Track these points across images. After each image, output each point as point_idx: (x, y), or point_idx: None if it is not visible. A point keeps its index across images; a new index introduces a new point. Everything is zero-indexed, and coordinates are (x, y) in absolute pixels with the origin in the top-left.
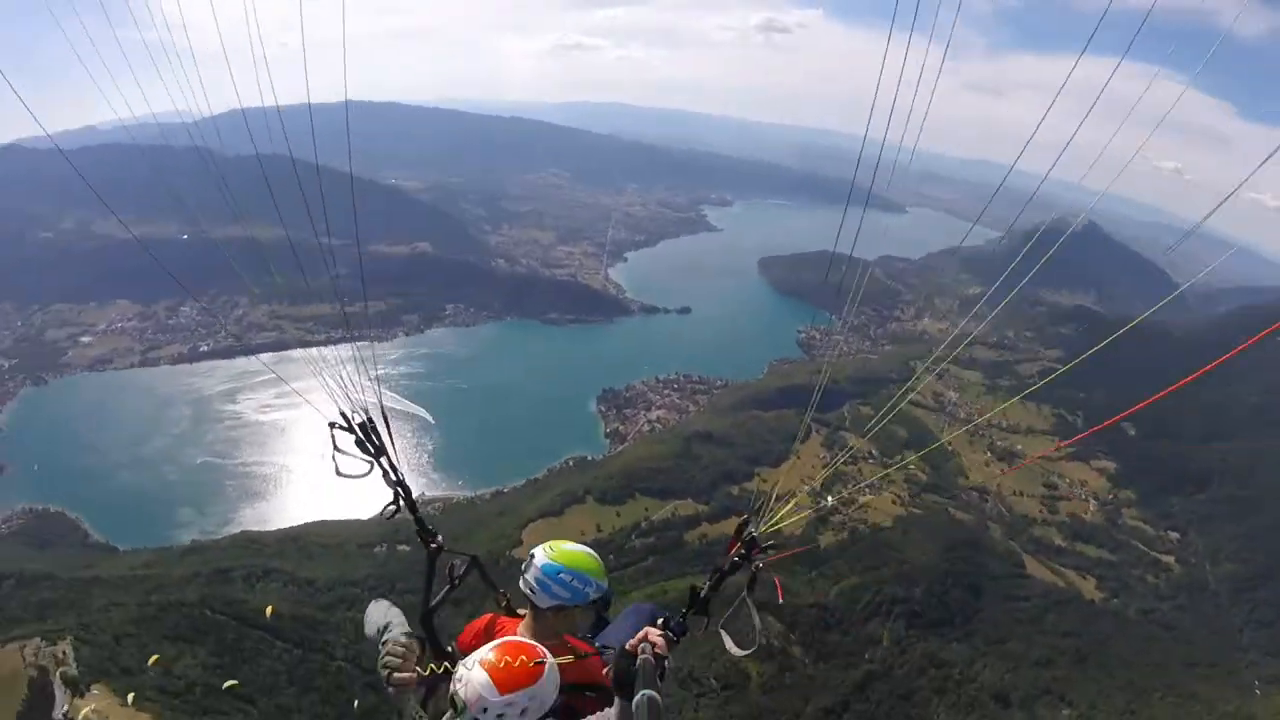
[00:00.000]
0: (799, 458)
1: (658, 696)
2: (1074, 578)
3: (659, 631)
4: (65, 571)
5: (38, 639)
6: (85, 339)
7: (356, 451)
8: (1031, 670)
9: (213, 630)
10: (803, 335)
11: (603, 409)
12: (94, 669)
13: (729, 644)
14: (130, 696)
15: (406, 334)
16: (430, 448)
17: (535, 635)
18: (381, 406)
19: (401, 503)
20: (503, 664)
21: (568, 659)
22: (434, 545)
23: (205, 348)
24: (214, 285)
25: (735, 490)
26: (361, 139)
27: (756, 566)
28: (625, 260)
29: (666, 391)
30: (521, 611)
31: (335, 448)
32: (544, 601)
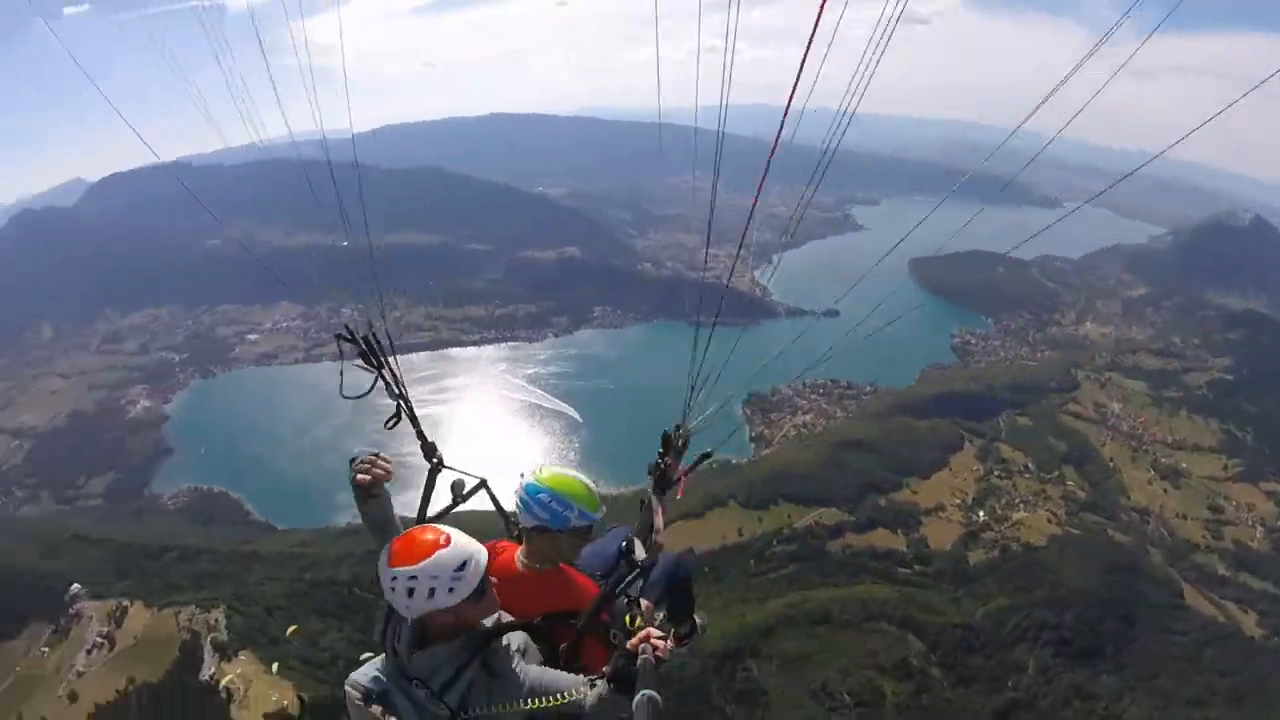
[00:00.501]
0: (950, 469)
1: (658, 697)
2: (1235, 611)
3: (660, 633)
4: (225, 546)
5: (193, 606)
6: (252, 336)
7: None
8: (1183, 710)
9: (361, 609)
10: (957, 340)
11: (748, 412)
12: (243, 637)
13: (638, 549)
14: (274, 665)
15: (555, 335)
16: (577, 445)
17: (528, 557)
18: (384, 315)
19: (404, 414)
20: (403, 540)
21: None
22: (435, 460)
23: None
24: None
25: (883, 501)
26: (509, 150)
27: (664, 463)
28: (770, 261)
29: (813, 396)
30: None
31: (341, 359)
32: (526, 521)
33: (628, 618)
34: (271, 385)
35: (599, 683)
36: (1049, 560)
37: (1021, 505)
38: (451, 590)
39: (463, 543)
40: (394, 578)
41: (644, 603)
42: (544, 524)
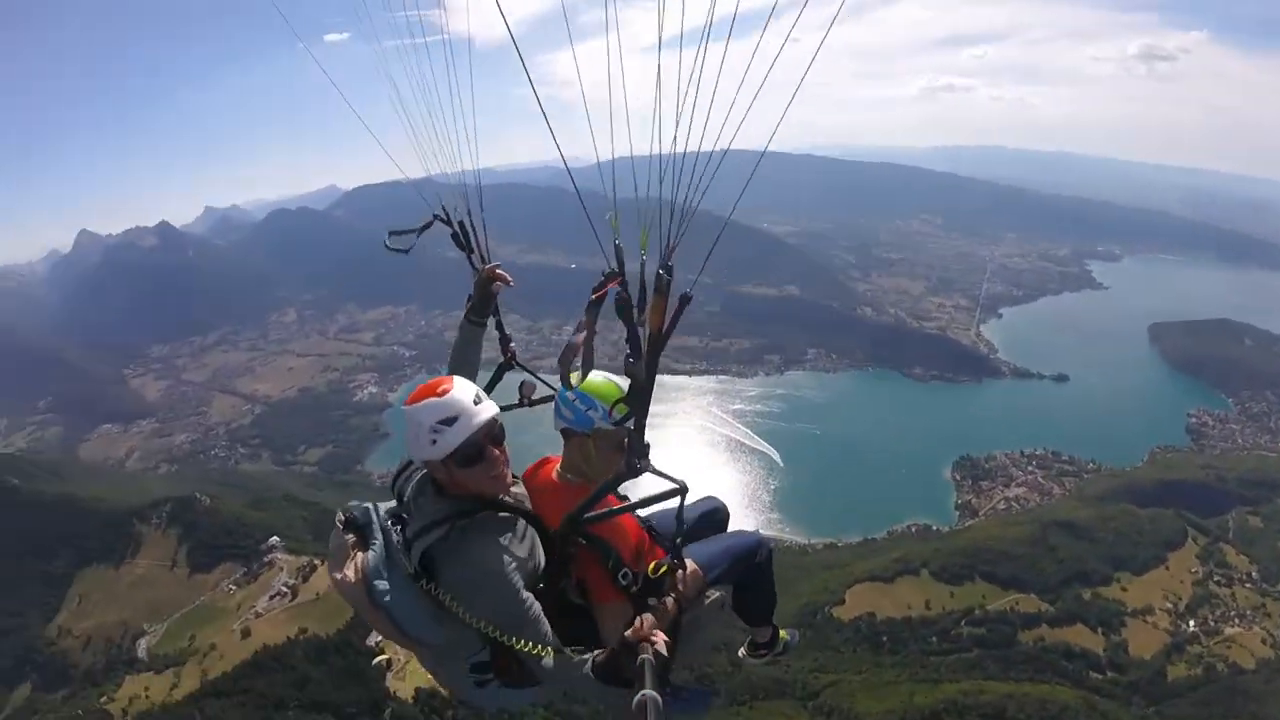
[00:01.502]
0: (1167, 568)
1: (659, 698)
2: None
3: (664, 636)
4: None
5: None
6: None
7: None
8: None
9: None
10: (1193, 420)
11: (957, 477)
12: None
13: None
14: None
15: (767, 373)
16: (773, 486)
17: (563, 468)
18: (481, 203)
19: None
20: (425, 382)
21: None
22: (509, 354)
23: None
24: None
25: (1088, 594)
26: (736, 185)
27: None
28: (1000, 316)
29: (1030, 467)
30: None
31: (418, 230)
32: (556, 426)
33: (653, 565)
34: (495, 392)
35: (586, 660)
36: (1254, 688)
37: (1236, 619)
38: (434, 443)
39: (460, 398)
40: (403, 415)
41: (690, 565)
42: (570, 426)
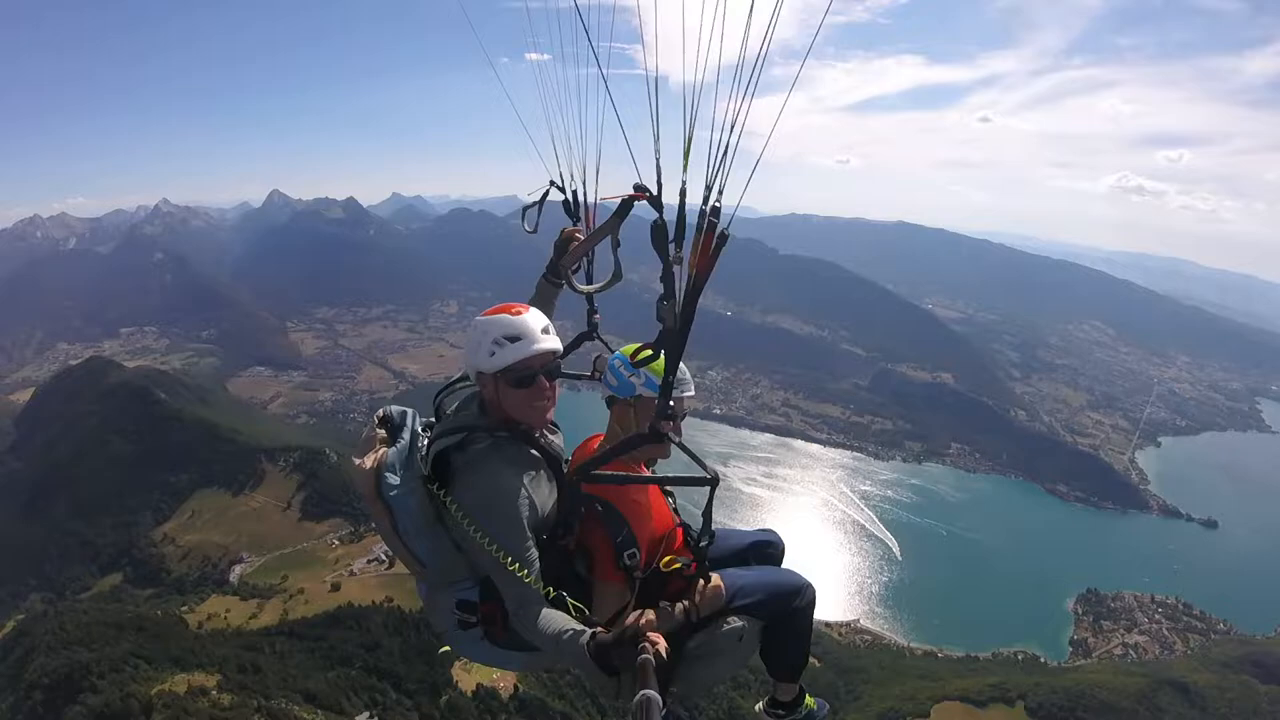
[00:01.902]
0: None
1: (659, 698)
2: None
3: (665, 645)
4: None
5: None
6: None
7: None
8: None
9: None
10: None
11: (1079, 610)
12: None
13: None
14: None
15: (904, 460)
16: (885, 579)
17: (607, 438)
18: (597, 181)
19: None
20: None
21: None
22: (592, 325)
23: (718, 411)
24: (742, 361)
25: None
26: (908, 260)
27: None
28: (1158, 445)
29: (1157, 615)
30: None
31: (539, 202)
32: (602, 394)
33: (667, 559)
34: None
35: (584, 633)
36: None
37: None
38: (492, 355)
39: (530, 322)
40: (473, 325)
41: (715, 579)
42: (613, 393)
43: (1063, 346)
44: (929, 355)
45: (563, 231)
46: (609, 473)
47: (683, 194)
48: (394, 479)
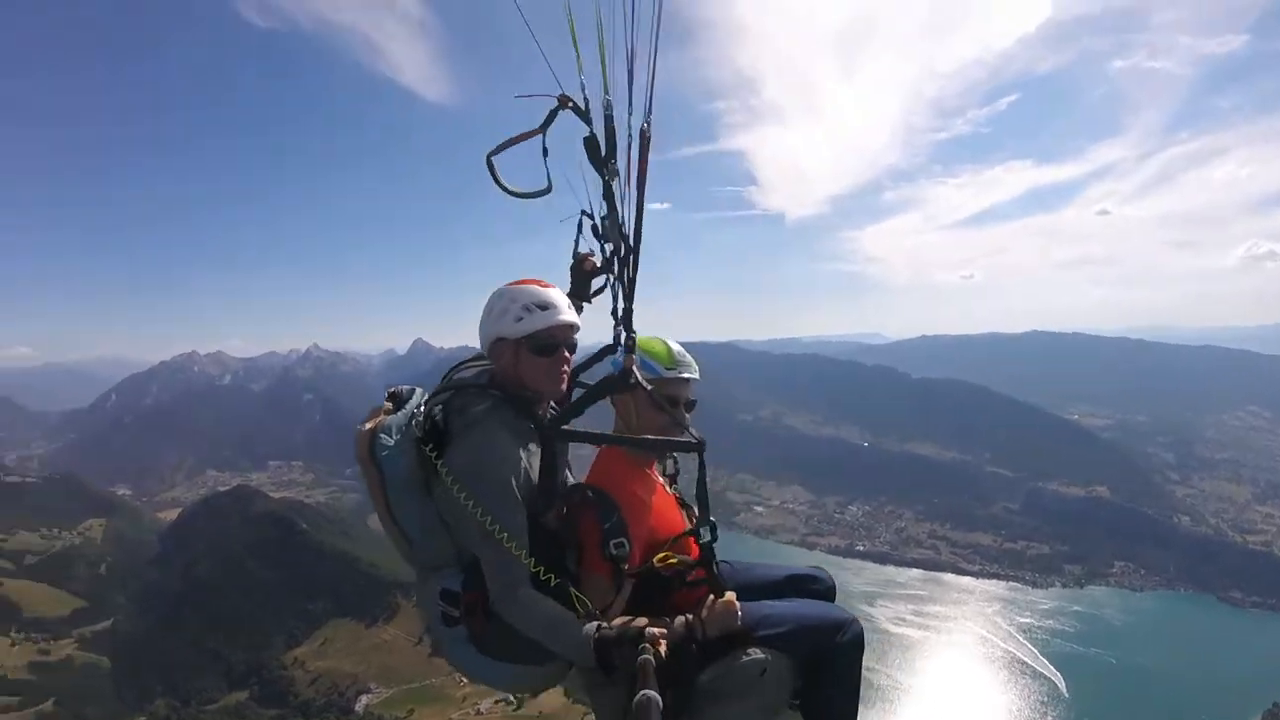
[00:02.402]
0: None
1: (658, 699)
2: None
3: (664, 641)
4: None
5: None
6: (759, 509)
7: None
8: None
9: None
10: None
11: None
12: None
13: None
14: None
15: (1064, 586)
16: (1050, 719)
17: (614, 427)
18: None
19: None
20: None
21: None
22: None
23: (861, 547)
24: (884, 493)
25: None
26: (1045, 370)
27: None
28: None
29: None
30: None
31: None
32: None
33: (663, 555)
34: (762, 557)
35: (584, 625)
36: None
37: None
38: (518, 320)
39: (558, 295)
40: (496, 294)
41: (730, 595)
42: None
43: (1219, 439)
44: (1080, 468)
45: (576, 255)
46: (582, 431)
47: (609, 106)
48: (388, 440)
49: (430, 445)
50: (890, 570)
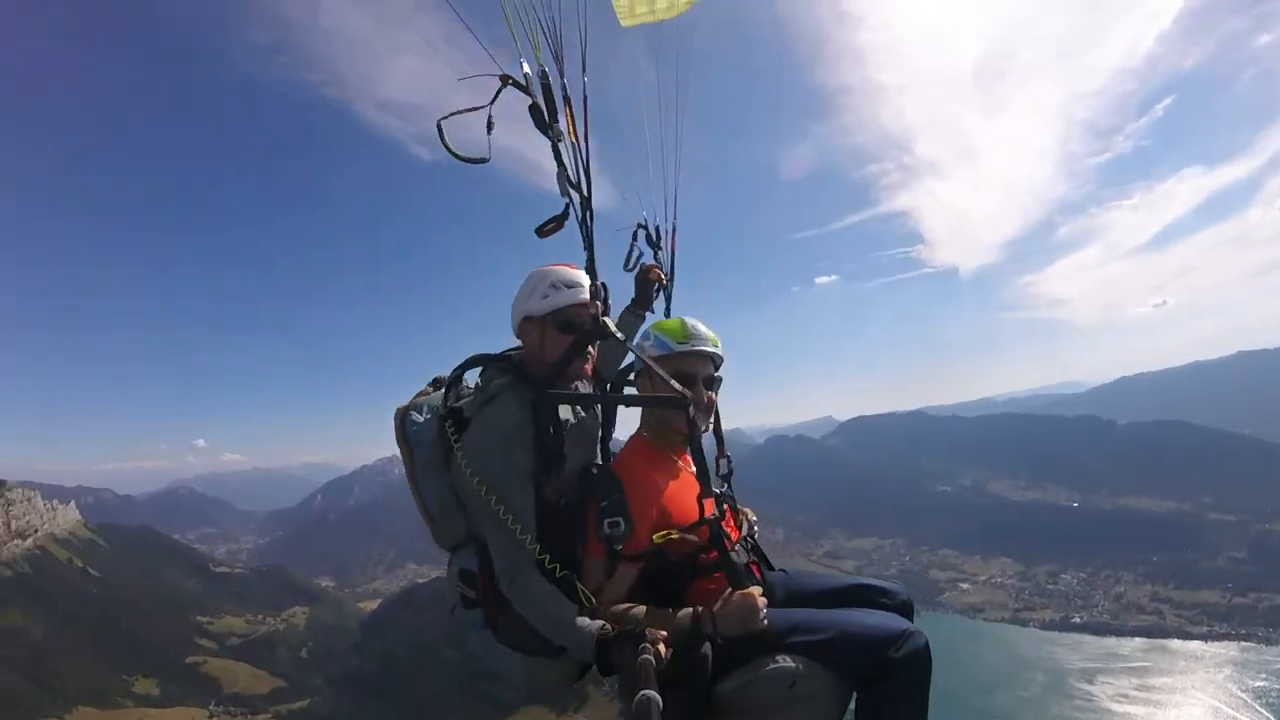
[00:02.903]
0: None
1: (658, 699)
2: None
3: (662, 638)
4: None
5: None
6: (964, 585)
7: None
8: None
9: None
10: None
11: None
12: None
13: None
14: None
15: None
16: None
17: (641, 415)
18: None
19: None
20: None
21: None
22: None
23: (1078, 619)
24: (1099, 557)
25: None
26: (1257, 395)
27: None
28: None
29: None
30: None
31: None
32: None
33: (661, 531)
34: (971, 638)
35: (587, 623)
36: None
37: None
38: (545, 297)
39: (585, 278)
40: (527, 276)
41: (753, 589)
42: (629, 366)
43: None
44: None
45: (642, 266)
46: (568, 392)
47: (545, 75)
48: (418, 418)
49: (450, 421)
50: (1110, 642)
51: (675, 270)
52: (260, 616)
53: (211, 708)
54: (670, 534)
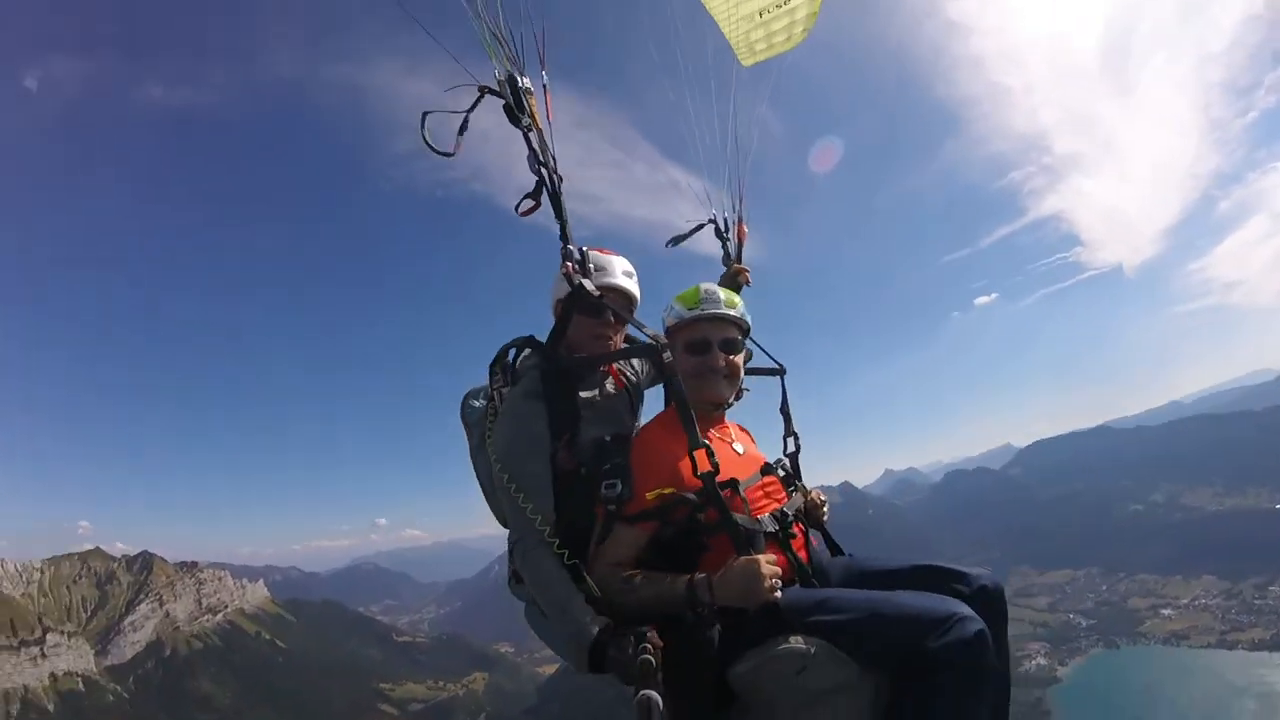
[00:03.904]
0: None
1: (658, 699)
2: None
3: (654, 633)
4: None
5: None
6: (1166, 611)
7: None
8: None
9: None
10: None
11: None
12: None
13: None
14: None
15: None
16: None
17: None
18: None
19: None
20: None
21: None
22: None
23: None
24: None
25: None
26: None
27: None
28: None
29: None
30: None
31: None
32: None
33: (654, 490)
34: (1175, 669)
35: (589, 624)
36: None
37: None
38: (600, 273)
39: (617, 263)
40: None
41: (759, 557)
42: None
43: None
44: None
45: (731, 268)
46: (569, 356)
47: (513, 79)
48: (476, 403)
49: (494, 404)
50: None
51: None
52: (440, 683)
53: None
54: (663, 491)
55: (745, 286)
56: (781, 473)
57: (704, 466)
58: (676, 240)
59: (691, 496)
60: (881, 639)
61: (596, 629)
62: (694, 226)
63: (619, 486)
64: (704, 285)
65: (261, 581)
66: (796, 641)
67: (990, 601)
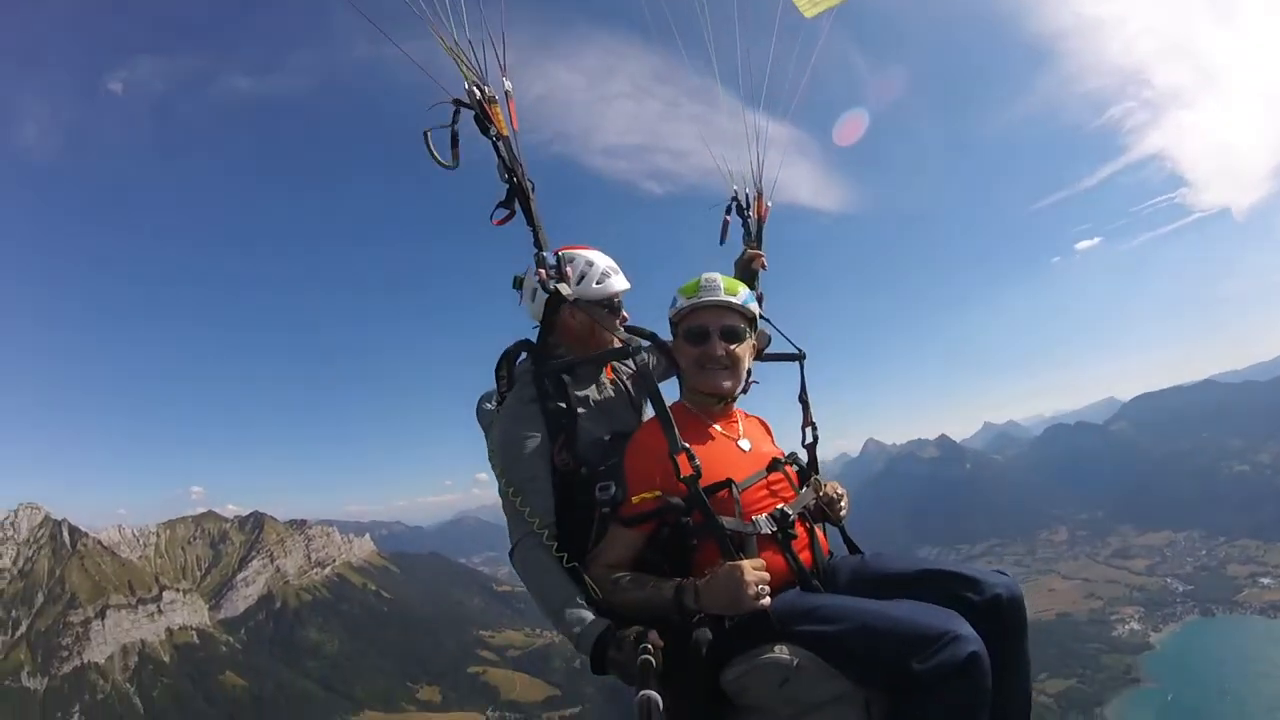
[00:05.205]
0: None
1: (658, 699)
2: None
3: (655, 633)
4: None
5: None
6: (1265, 580)
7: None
8: None
9: None
10: None
11: None
12: None
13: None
14: None
15: None
16: None
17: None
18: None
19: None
20: None
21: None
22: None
23: None
24: None
25: None
26: None
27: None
28: None
29: None
30: None
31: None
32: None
33: (639, 497)
34: (1270, 642)
35: (594, 621)
36: None
37: None
38: (584, 276)
39: (601, 262)
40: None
41: (746, 563)
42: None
43: None
44: None
45: (745, 253)
46: (558, 360)
47: (472, 92)
48: (489, 405)
49: (499, 407)
50: None
51: (764, 236)
52: (538, 630)
53: (489, 713)
54: (646, 495)
55: (761, 271)
56: (796, 467)
57: (685, 471)
58: (722, 236)
59: (677, 500)
60: (868, 655)
61: (597, 631)
62: (724, 212)
63: (613, 489)
64: (706, 274)
65: (368, 536)
66: (781, 652)
67: (1004, 612)
